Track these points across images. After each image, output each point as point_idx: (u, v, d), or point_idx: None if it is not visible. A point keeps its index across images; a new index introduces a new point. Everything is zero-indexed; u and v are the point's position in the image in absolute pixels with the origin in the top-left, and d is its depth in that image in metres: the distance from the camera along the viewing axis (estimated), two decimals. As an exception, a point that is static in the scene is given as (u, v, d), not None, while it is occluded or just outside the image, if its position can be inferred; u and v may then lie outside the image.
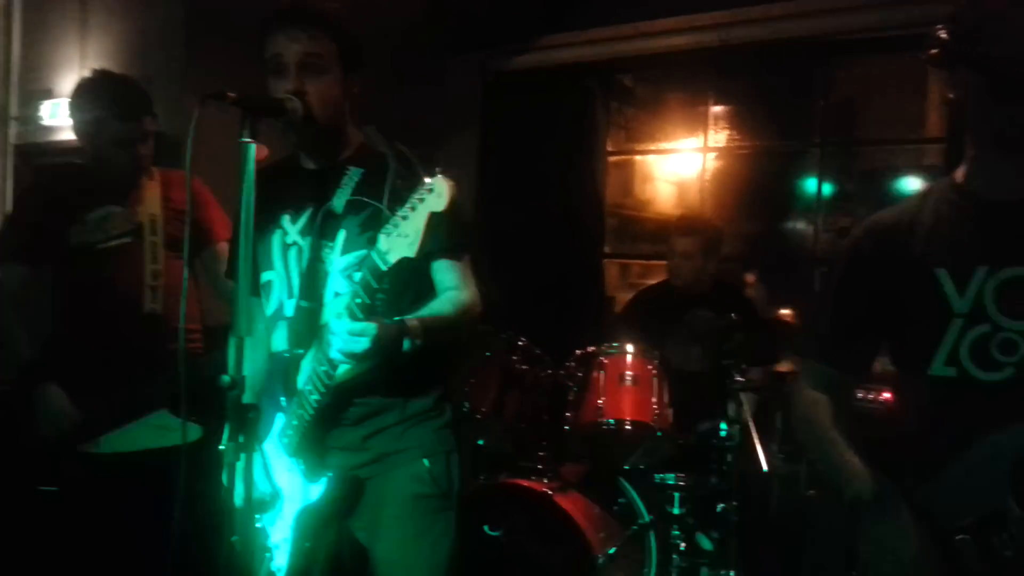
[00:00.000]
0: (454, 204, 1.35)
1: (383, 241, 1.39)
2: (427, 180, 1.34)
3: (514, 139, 4.46)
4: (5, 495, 2.29)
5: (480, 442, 3.08)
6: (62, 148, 4.04)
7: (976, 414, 1.24)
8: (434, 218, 1.33)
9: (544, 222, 4.42)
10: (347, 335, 1.43)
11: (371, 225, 1.60)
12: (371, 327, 1.43)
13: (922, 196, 1.40)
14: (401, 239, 1.36)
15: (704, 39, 3.76)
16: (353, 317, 1.45)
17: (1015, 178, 1.27)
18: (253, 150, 1.42)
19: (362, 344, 1.43)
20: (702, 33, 3.76)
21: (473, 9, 4.08)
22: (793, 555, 2.66)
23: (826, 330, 1.46)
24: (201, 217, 2.40)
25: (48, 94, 4.05)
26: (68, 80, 4.00)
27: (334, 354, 1.47)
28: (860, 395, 2.72)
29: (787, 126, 4.23)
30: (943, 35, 1.13)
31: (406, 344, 1.51)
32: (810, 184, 4.15)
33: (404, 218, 1.36)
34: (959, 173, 1.35)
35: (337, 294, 1.62)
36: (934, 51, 1.14)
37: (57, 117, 3.96)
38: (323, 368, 1.53)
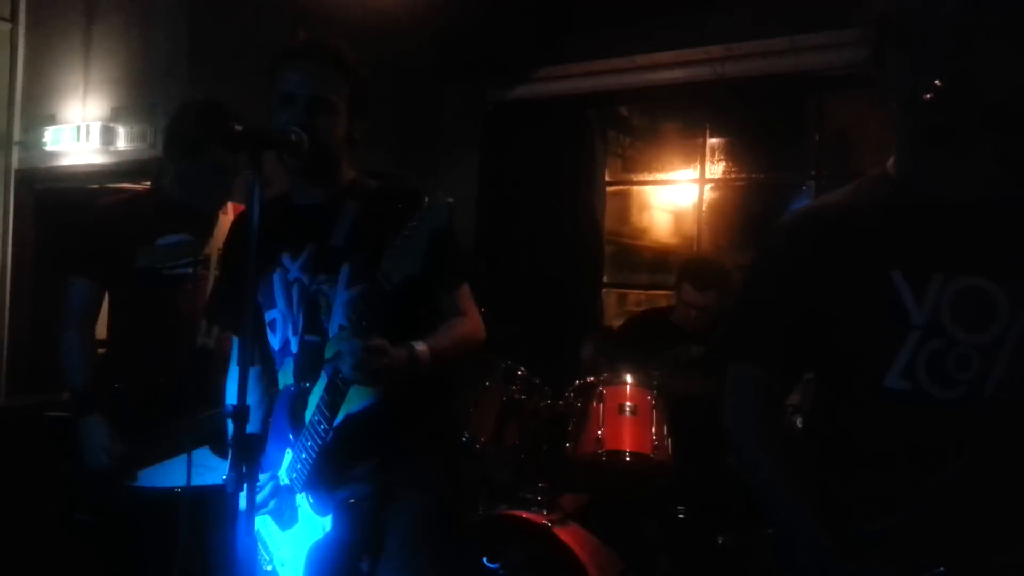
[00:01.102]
0: (453, 226, 1.38)
1: (387, 262, 1.41)
2: (427, 200, 1.38)
3: (513, 168, 4.50)
4: (43, 521, 2.25)
5: (479, 473, 3.06)
6: (64, 173, 4.07)
7: (931, 433, 1.17)
8: (435, 236, 1.36)
9: (543, 251, 4.44)
10: (362, 352, 1.44)
11: (375, 259, 1.62)
12: (385, 343, 1.44)
13: (854, 191, 1.30)
14: (404, 258, 1.39)
15: (700, 73, 3.82)
16: (363, 336, 1.46)
17: (953, 177, 1.20)
18: (259, 183, 1.43)
19: (377, 360, 1.43)
20: (698, 67, 3.81)
21: (473, 39, 4.14)
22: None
23: (763, 328, 1.31)
24: None
25: (51, 120, 4.08)
26: (71, 106, 4.04)
27: (348, 372, 1.46)
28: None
29: (782, 158, 4.28)
30: (939, 83, 1.11)
31: (414, 365, 1.52)
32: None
33: (407, 238, 1.39)
34: (891, 168, 1.27)
35: (342, 327, 1.62)
36: (928, 95, 1.12)
37: (60, 143, 3.99)
38: (329, 397, 1.53)
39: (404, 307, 1.54)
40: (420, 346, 1.54)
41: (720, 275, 3.23)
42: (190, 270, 2.27)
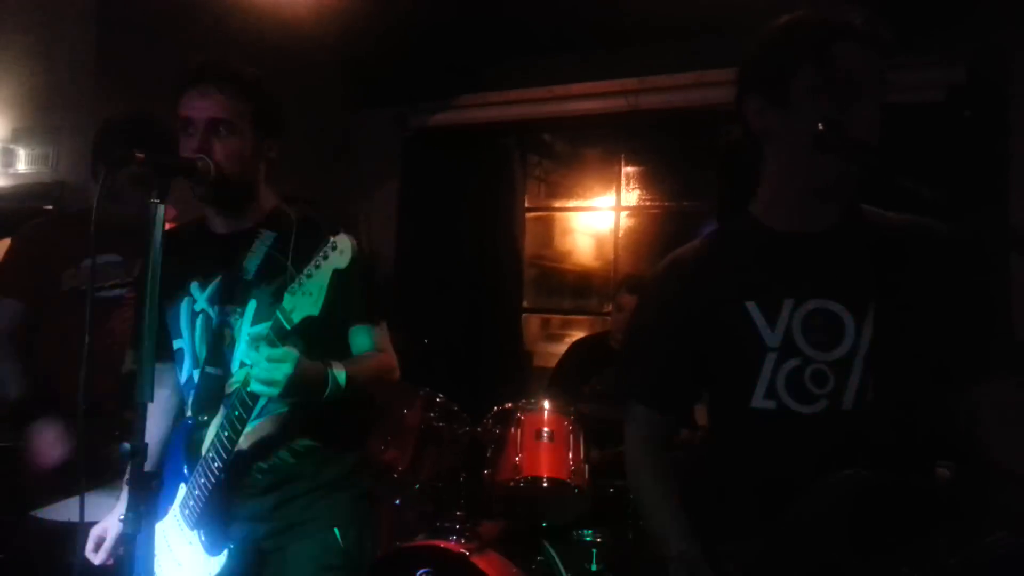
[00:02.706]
0: (361, 262, 1.37)
1: (288, 300, 1.39)
2: (331, 238, 1.36)
3: (433, 194, 4.51)
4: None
5: (397, 501, 3.03)
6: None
7: (798, 449, 1.25)
8: (338, 277, 1.34)
9: (463, 277, 4.46)
10: (267, 362, 1.39)
11: (282, 295, 1.59)
12: (293, 353, 1.39)
13: (719, 233, 1.41)
14: (305, 297, 1.36)
15: (614, 104, 3.93)
16: (272, 346, 1.41)
17: (813, 212, 1.29)
18: (162, 211, 1.40)
19: (284, 370, 1.38)
20: (612, 98, 3.93)
21: (392, 67, 4.16)
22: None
23: (646, 371, 1.43)
24: None
25: (-50, 142, 3.86)
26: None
27: (254, 386, 1.41)
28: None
29: (693, 187, 4.45)
30: (821, 127, 1.17)
31: (329, 379, 1.48)
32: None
33: (309, 276, 1.37)
34: (755, 208, 1.36)
35: (243, 364, 1.59)
36: (814, 138, 1.18)
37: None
38: (227, 433, 1.49)
39: (310, 345, 1.51)
40: (336, 365, 1.52)
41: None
42: (118, 291, 2.20)
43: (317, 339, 1.51)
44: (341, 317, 1.58)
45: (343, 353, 1.64)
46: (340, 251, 1.34)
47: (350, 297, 1.46)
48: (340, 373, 1.50)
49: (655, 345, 1.41)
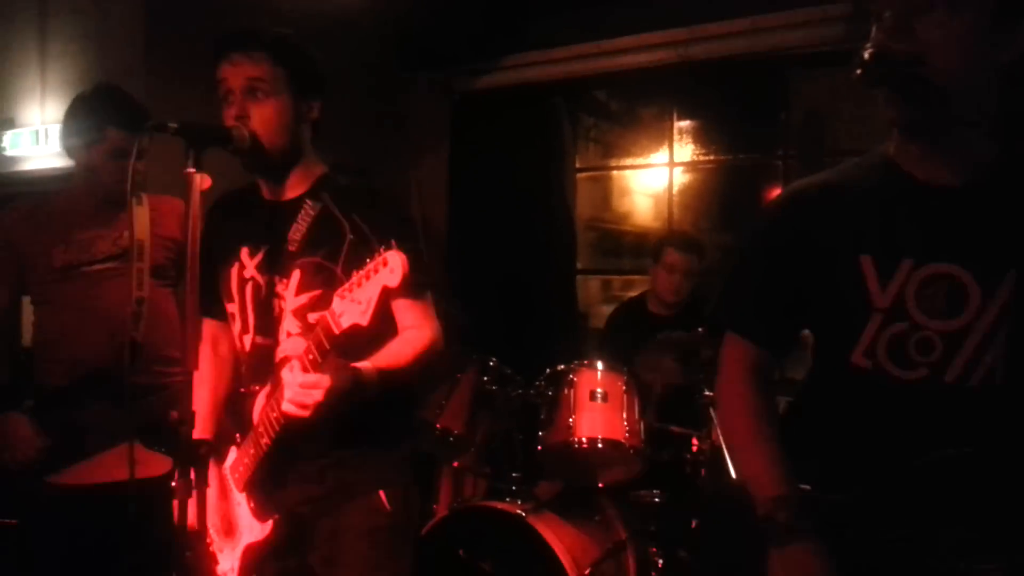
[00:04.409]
0: (411, 270, 1.33)
1: (338, 303, 1.37)
2: (383, 252, 1.32)
3: (483, 157, 4.47)
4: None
5: (455, 464, 3.06)
6: (24, 178, 3.99)
7: (889, 412, 1.19)
8: (387, 291, 1.32)
9: (515, 239, 4.43)
10: (299, 388, 1.41)
11: (324, 266, 1.58)
12: (324, 380, 1.41)
13: (854, 166, 1.29)
14: (354, 305, 1.35)
15: (664, 56, 3.80)
16: (306, 369, 1.43)
17: (950, 158, 1.17)
18: (198, 181, 1.40)
19: (315, 396, 1.41)
20: (662, 50, 3.80)
21: (433, 31, 4.10)
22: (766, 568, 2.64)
23: (747, 300, 1.35)
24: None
25: (9, 124, 4.00)
26: (29, 110, 3.96)
27: (286, 406, 1.44)
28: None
29: (750, 139, 4.28)
30: (866, 56, 1.11)
31: (367, 385, 1.49)
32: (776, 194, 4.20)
33: (359, 285, 1.35)
34: (891, 146, 1.24)
35: (289, 334, 1.60)
36: (859, 71, 1.11)
37: (19, 147, 3.92)
38: (274, 414, 1.51)
39: (353, 343, 1.49)
40: (368, 372, 1.50)
41: (700, 242, 3.42)
42: (110, 263, 2.25)
43: (360, 338, 1.49)
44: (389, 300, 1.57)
45: (387, 325, 1.61)
46: (391, 268, 1.30)
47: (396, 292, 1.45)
48: (372, 379, 1.49)
49: (759, 276, 1.33)
